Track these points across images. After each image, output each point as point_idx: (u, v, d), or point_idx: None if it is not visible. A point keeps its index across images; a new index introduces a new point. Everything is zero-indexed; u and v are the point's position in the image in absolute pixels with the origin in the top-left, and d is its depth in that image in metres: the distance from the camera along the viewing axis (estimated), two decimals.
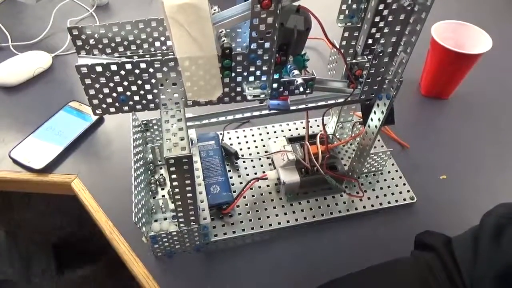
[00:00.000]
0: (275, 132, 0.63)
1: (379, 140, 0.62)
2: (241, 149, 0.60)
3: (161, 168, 0.57)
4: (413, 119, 0.69)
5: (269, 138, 0.61)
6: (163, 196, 0.54)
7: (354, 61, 0.45)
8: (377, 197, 0.56)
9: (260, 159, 0.59)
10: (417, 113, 0.70)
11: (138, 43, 0.40)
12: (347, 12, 0.44)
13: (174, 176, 0.37)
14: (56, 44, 0.77)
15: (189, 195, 0.40)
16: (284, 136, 0.59)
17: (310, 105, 0.48)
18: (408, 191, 0.57)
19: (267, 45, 0.35)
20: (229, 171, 0.57)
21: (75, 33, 0.38)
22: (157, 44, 0.41)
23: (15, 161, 0.58)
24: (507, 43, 0.78)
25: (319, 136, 0.55)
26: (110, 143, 0.62)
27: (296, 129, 0.64)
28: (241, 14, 0.35)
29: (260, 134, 0.63)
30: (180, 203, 0.41)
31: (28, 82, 0.70)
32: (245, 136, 0.63)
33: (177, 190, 0.39)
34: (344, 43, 0.46)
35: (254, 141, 0.62)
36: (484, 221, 0.41)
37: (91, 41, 0.39)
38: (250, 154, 0.60)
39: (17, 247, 0.89)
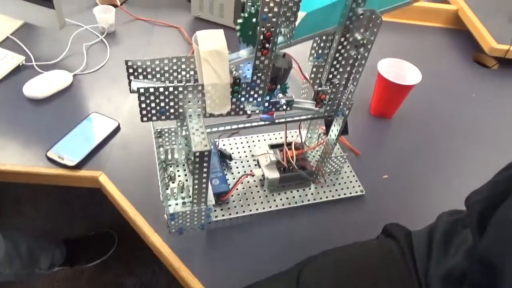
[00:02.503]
0: (259, 141, 0.81)
1: (338, 148, 0.81)
2: (232, 153, 0.77)
3: (171, 166, 0.73)
4: (364, 133, 0.88)
5: (255, 145, 0.79)
6: (174, 187, 0.69)
7: (319, 88, 0.63)
8: (336, 190, 0.74)
9: (248, 160, 0.76)
10: (367, 129, 0.90)
11: (170, 72, 0.57)
12: (315, 55, 0.63)
13: (197, 165, 0.53)
14: (74, 64, 0.92)
15: (204, 180, 0.56)
16: (267, 144, 0.77)
17: (289, 119, 0.66)
18: (359, 186, 0.75)
19: (263, 77, 0.53)
20: (225, 169, 0.74)
21: (129, 64, 0.54)
22: (183, 73, 0.58)
23: (51, 160, 0.72)
24: (432, 76, 0.99)
25: (293, 143, 0.73)
26: (128, 146, 0.77)
27: (276, 139, 0.82)
28: (246, 56, 0.53)
29: (247, 142, 0.80)
30: (197, 186, 0.57)
31: (54, 96, 0.84)
32: (236, 144, 0.80)
33: (197, 176, 0.55)
34: (312, 75, 0.65)
35: (243, 147, 0.79)
36: (437, 226, 0.52)
37: (139, 70, 0.55)
38: (240, 157, 0.77)
39: (16, 246, 0.96)
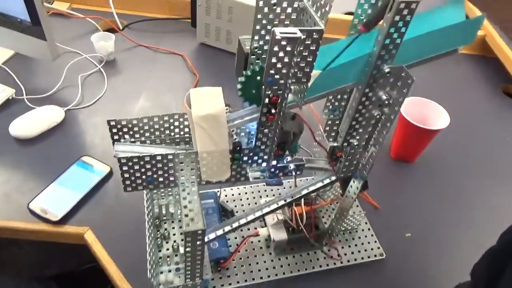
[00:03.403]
0: (265, 190, 0.72)
1: (355, 201, 0.72)
2: (235, 206, 0.69)
3: (165, 223, 0.65)
4: (384, 181, 0.79)
5: (261, 197, 0.70)
6: (168, 249, 0.61)
7: (335, 144, 0.55)
8: (352, 253, 0.65)
9: None
10: (387, 176, 0.80)
11: (161, 130, 0.49)
12: (330, 107, 0.54)
13: (189, 244, 0.45)
14: (68, 97, 0.85)
15: (198, 257, 0.48)
16: (273, 195, 0.68)
17: (298, 179, 0.57)
18: (378, 247, 0.66)
19: (268, 143, 0.44)
20: None
21: (112, 124, 0.46)
22: (176, 130, 0.50)
23: (33, 213, 0.64)
24: (459, 112, 0.89)
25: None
26: (119, 196, 0.69)
27: (284, 188, 0.73)
28: (249, 117, 0.45)
29: (253, 192, 0.72)
30: (190, 263, 0.49)
31: (43, 135, 0.77)
32: (239, 194, 0.71)
33: (189, 254, 0.47)
34: (327, 128, 0.57)
35: (247, 198, 0.71)
36: None
37: (124, 129, 0.47)
38: (244, 211, 0.69)
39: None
